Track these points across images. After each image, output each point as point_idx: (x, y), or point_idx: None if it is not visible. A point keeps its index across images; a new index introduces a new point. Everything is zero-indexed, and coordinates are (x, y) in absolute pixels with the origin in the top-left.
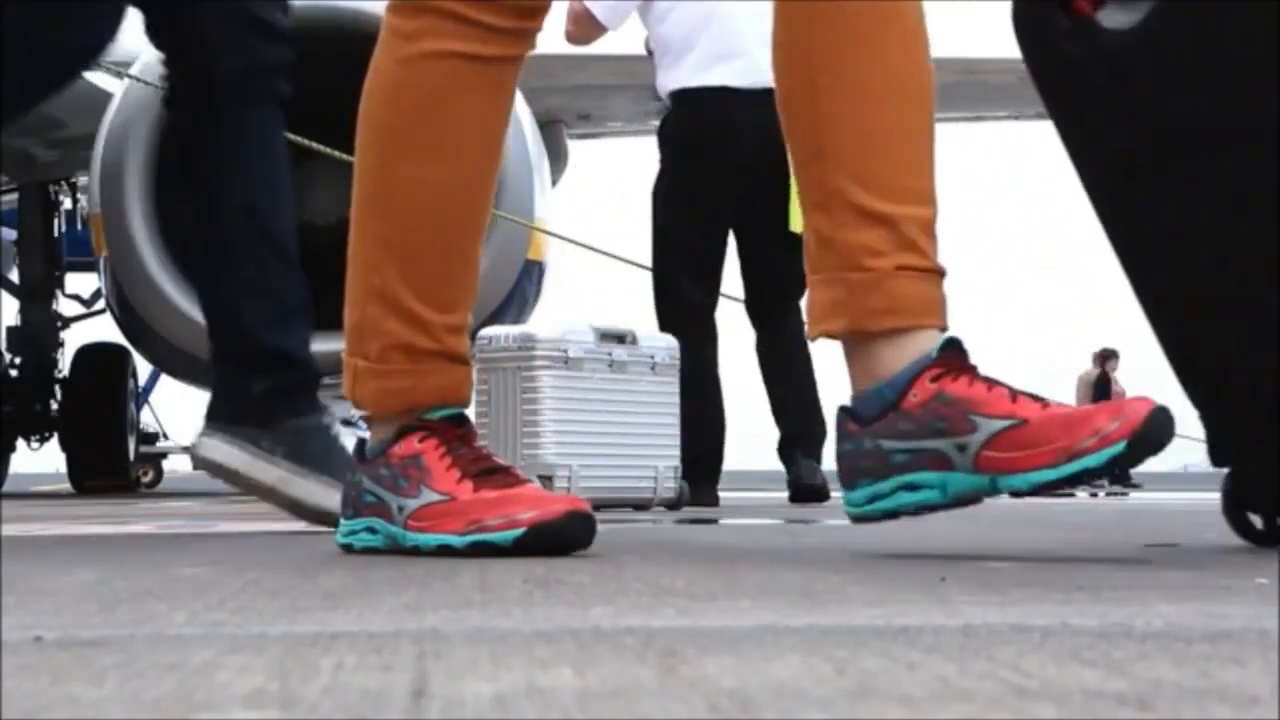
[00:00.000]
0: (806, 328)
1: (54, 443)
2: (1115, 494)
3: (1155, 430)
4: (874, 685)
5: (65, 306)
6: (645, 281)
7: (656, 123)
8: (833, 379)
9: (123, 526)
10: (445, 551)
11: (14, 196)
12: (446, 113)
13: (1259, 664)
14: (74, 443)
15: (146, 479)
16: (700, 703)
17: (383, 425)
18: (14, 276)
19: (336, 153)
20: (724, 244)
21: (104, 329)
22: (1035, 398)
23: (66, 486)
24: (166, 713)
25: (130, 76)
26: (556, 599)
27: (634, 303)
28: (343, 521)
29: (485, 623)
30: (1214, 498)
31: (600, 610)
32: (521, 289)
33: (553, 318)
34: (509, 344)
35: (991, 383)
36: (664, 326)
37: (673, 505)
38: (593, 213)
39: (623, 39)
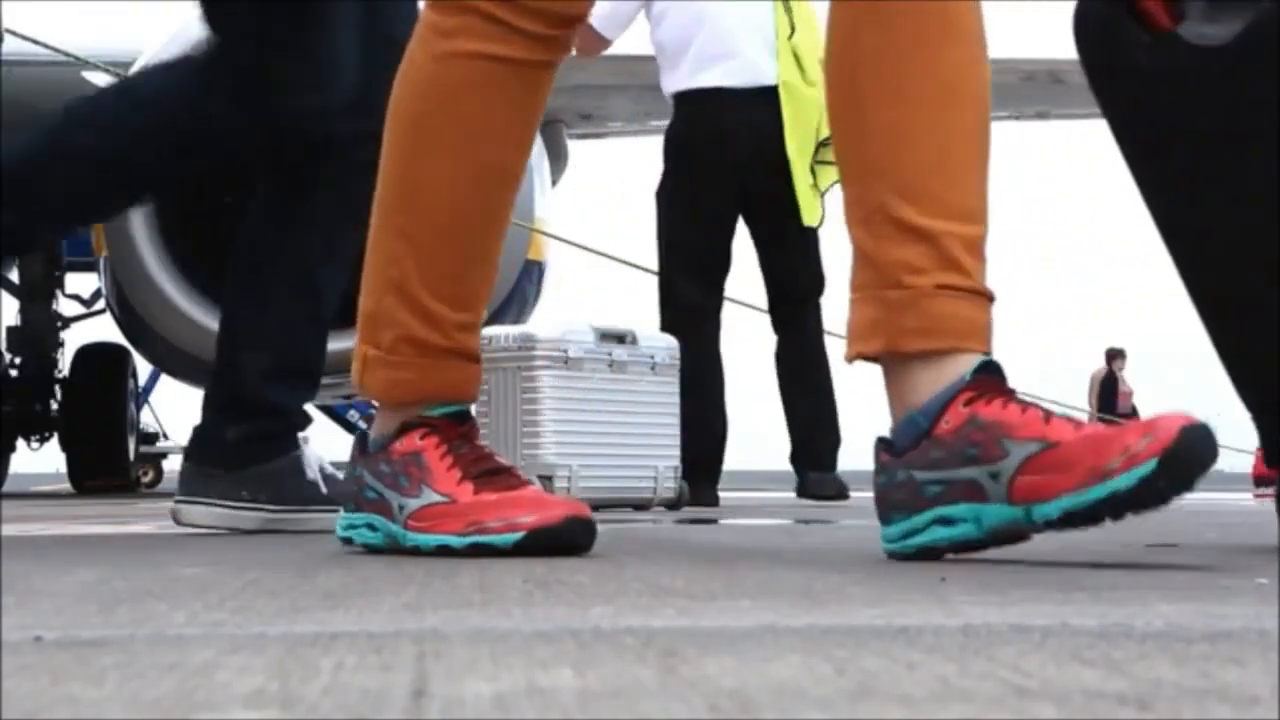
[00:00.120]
0: (845, 350)
1: (54, 443)
2: None
3: (1190, 447)
4: (874, 685)
5: (65, 306)
6: (645, 281)
7: (656, 123)
8: (861, 394)
9: (123, 526)
10: (444, 552)
11: None
12: (476, 112)
13: (1259, 664)
14: (74, 443)
15: (146, 479)
16: (700, 703)
17: (387, 416)
18: (14, 276)
19: None
20: (725, 244)
21: (104, 329)
22: (1072, 420)
23: (66, 486)
24: (166, 713)
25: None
26: (556, 599)
27: (634, 303)
28: (343, 514)
29: (485, 623)
30: (1214, 498)
31: (600, 610)
32: (521, 289)
33: (553, 318)
34: (509, 344)
35: (1026, 405)
36: (664, 327)
37: (673, 505)
38: (593, 213)
39: (623, 39)
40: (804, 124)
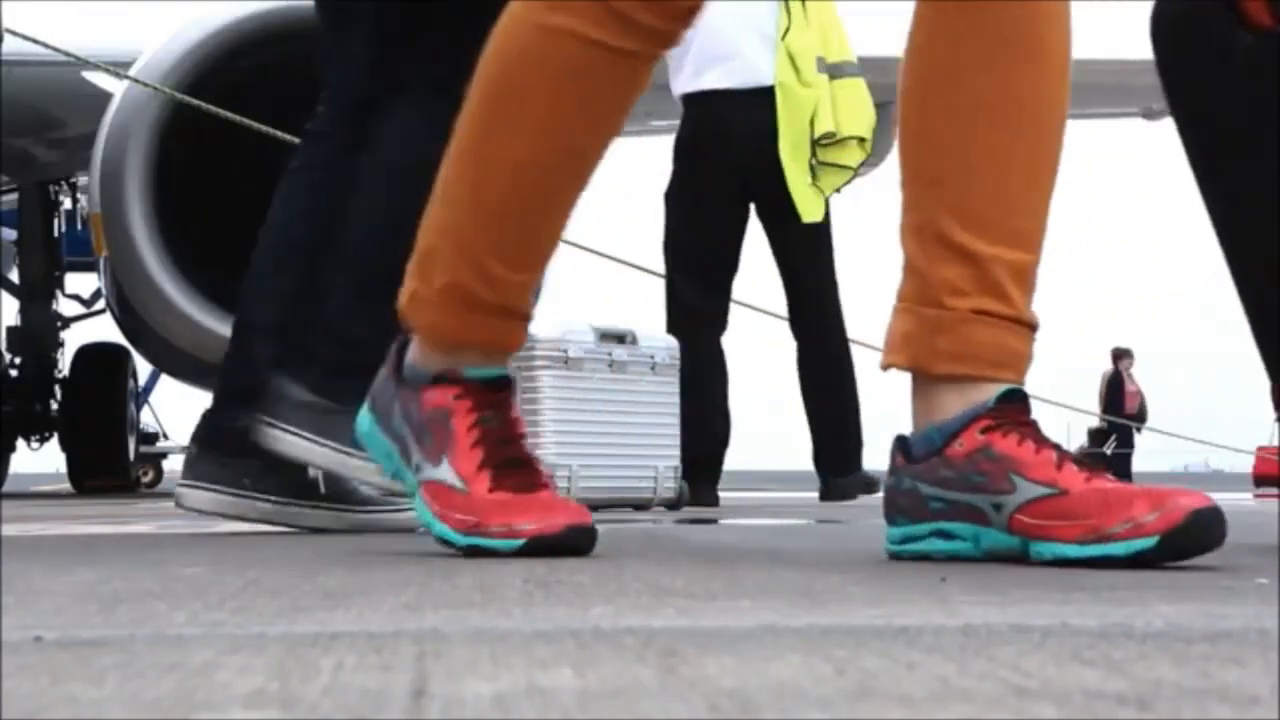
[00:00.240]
0: (880, 358)
1: (54, 443)
2: None
3: (1194, 532)
4: (874, 685)
5: (65, 306)
6: (646, 282)
7: (657, 123)
8: (892, 393)
9: (123, 526)
10: (444, 543)
11: (14, 196)
12: (575, 98)
13: (1259, 664)
14: (74, 443)
15: (146, 479)
16: (700, 703)
17: (426, 352)
18: (14, 276)
19: None
20: (729, 245)
21: (104, 329)
22: (1084, 465)
23: (66, 486)
24: (166, 713)
25: (130, 77)
26: (556, 599)
27: (634, 303)
28: (368, 412)
29: (485, 623)
30: (1214, 498)
31: (600, 610)
32: None
33: (553, 318)
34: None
35: (1042, 444)
36: (669, 327)
37: (673, 505)
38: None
39: None
40: (798, 124)
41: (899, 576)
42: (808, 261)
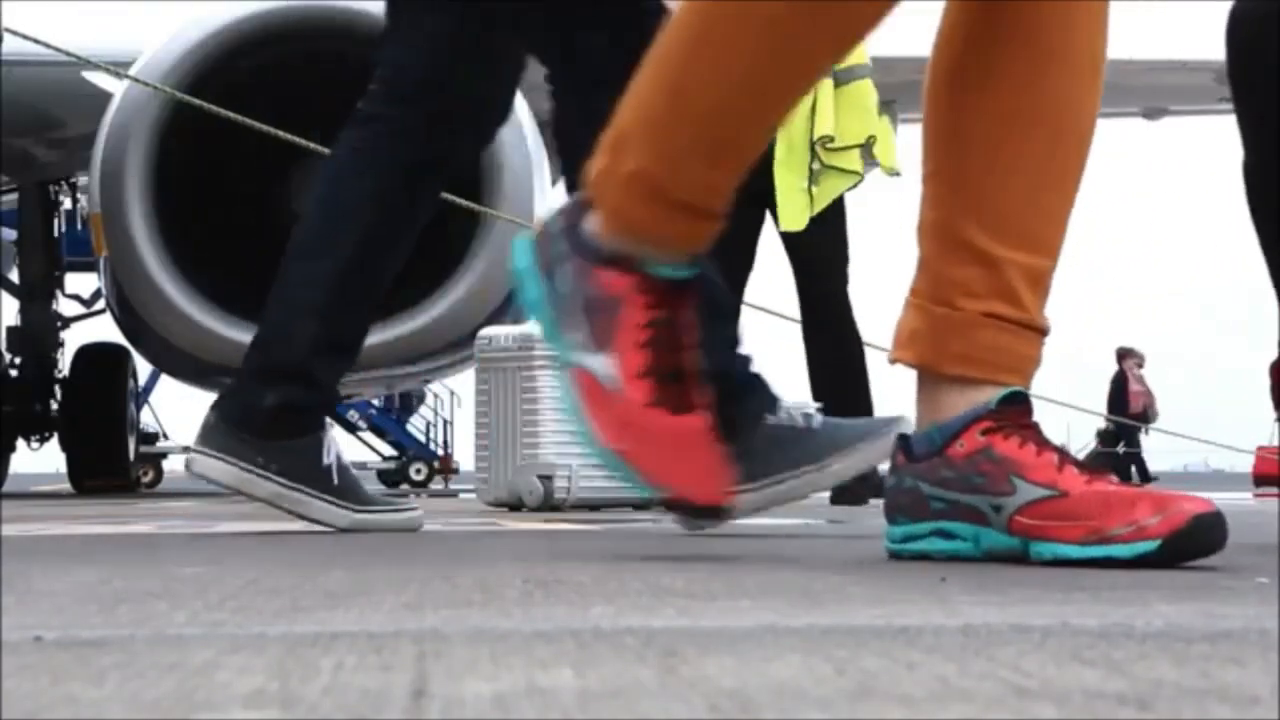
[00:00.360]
0: (889, 351)
1: (54, 443)
2: None
3: (1196, 536)
4: (874, 685)
5: (65, 306)
6: None
7: None
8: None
9: (123, 526)
10: (582, 442)
11: (14, 196)
12: (797, 17)
13: (1259, 664)
14: (74, 443)
15: (146, 479)
16: (700, 703)
17: (606, 231)
18: (14, 276)
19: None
20: (739, 243)
21: (104, 329)
22: (1084, 468)
23: (66, 486)
24: (166, 713)
25: (130, 77)
26: (556, 599)
27: None
28: (529, 253)
29: (485, 623)
30: (1214, 498)
31: (600, 610)
32: None
33: None
34: (509, 344)
35: (1043, 446)
36: None
37: None
38: None
39: None
40: (793, 125)
41: (899, 576)
42: (814, 264)
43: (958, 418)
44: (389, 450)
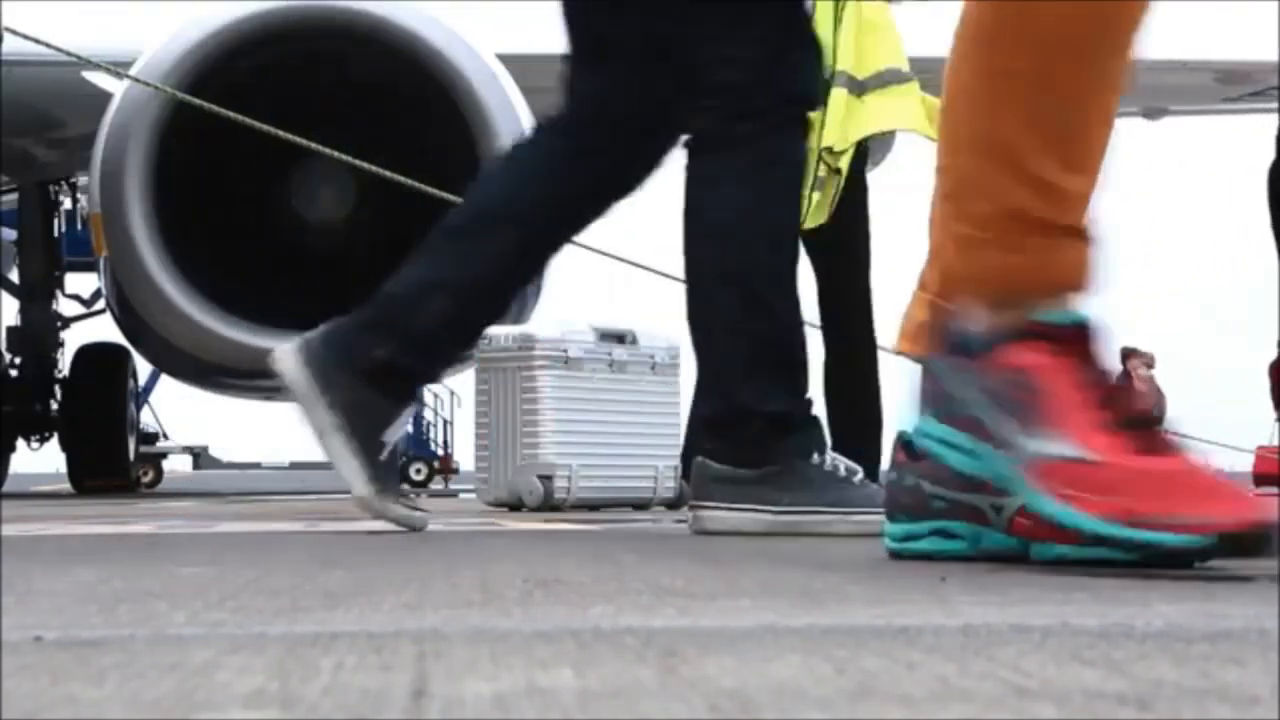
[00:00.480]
0: (893, 345)
1: (54, 443)
2: None
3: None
4: (874, 685)
5: (65, 306)
6: (645, 282)
7: None
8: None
9: (123, 526)
10: (1083, 536)
11: (14, 196)
12: None
13: (1259, 664)
14: (74, 443)
15: (146, 479)
16: (700, 703)
17: (981, 312)
18: (14, 276)
19: (336, 153)
20: None
21: (104, 329)
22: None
23: (66, 486)
24: (166, 713)
25: (130, 77)
26: (556, 599)
27: (634, 303)
28: (922, 411)
29: (485, 623)
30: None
31: (600, 610)
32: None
33: (553, 318)
34: (509, 344)
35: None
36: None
37: (673, 505)
38: None
39: None
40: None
41: (899, 576)
42: (828, 267)
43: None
44: None
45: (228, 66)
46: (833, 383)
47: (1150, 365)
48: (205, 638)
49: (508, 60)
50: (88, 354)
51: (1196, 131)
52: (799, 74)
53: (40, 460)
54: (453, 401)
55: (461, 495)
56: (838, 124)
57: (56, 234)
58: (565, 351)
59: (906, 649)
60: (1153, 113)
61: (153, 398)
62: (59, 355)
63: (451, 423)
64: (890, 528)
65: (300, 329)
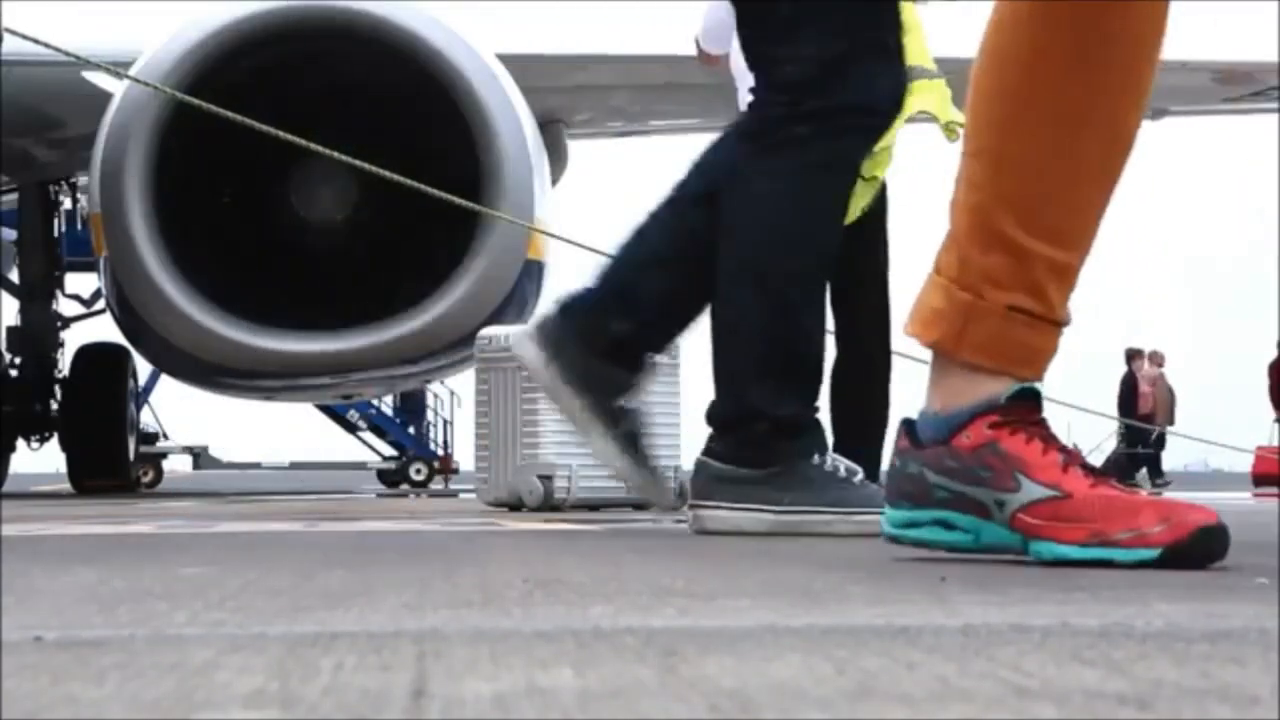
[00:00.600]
0: (904, 325)
1: (54, 443)
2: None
3: (1198, 549)
4: (874, 685)
5: (65, 306)
6: None
7: (656, 122)
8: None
9: (123, 526)
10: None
11: (14, 196)
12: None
13: (1259, 664)
14: (74, 443)
15: (146, 479)
16: (700, 703)
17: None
18: (14, 276)
19: (336, 153)
20: None
21: (104, 329)
22: (1090, 469)
23: (66, 486)
24: (166, 713)
25: (130, 77)
26: (556, 599)
27: None
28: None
29: (485, 623)
30: (1214, 498)
31: (600, 610)
32: (521, 289)
33: None
34: (509, 344)
35: (1049, 444)
36: None
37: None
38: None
39: (623, 40)
40: None
41: (899, 576)
42: (846, 269)
43: (966, 407)
44: (389, 450)
45: (228, 67)
46: (840, 381)
47: (1160, 364)
48: (205, 638)
49: (508, 60)
50: (88, 354)
51: (1197, 131)
52: (868, 82)
53: (40, 460)
54: (453, 401)
55: (461, 495)
56: None
57: (56, 234)
58: None
59: (906, 649)
60: (1153, 113)
61: (153, 398)
62: (59, 355)
63: (451, 423)
64: (891, 514)
65: (300, 329)
